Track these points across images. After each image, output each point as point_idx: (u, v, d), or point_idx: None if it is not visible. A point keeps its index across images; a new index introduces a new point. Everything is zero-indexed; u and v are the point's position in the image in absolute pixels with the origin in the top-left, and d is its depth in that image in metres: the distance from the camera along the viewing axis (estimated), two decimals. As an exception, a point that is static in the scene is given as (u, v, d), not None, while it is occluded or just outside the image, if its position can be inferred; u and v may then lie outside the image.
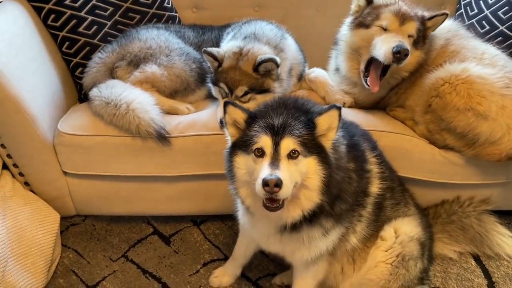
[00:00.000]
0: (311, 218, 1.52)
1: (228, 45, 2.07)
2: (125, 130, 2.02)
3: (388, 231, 1.81)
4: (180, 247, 2.25)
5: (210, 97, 2.30)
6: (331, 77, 2.32)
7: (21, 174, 2.13)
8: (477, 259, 2.20)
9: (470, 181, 2.13)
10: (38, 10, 2.21)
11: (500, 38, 2.18)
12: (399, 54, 1.85)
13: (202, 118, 2.10)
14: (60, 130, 2.06)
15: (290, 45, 2.22)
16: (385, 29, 1.94)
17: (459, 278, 2.11)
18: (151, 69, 2.13)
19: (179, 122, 2.08)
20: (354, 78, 2.12)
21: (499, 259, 2.19)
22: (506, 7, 2.16)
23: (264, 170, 1.35)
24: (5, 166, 2.11)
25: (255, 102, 2.00)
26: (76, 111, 2.21)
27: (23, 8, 2.17)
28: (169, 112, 2.14)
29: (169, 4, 2.53)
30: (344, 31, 2.12)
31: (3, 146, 2.04)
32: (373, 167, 1.74)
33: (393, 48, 1.85)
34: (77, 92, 2.39)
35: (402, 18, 1.92)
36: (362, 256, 1.84)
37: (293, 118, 1.42)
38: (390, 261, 1.78)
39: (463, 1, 2.48)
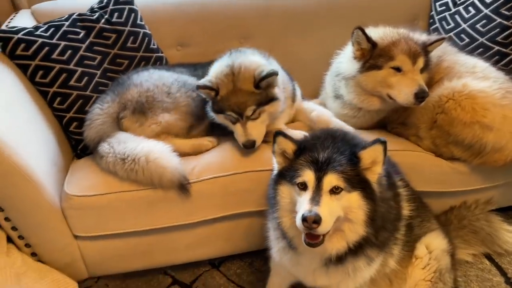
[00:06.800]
0: (356, 249, 1.53)
1: (215, 68, 2.05)
2: (146, 183, 1.93)
3: (420, 249, 1.87)
4: (205, 294, 2.18)
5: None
6: (330, 103, 2.38)
7: (27, 245, 1.97)
8: (489, 258, 2.32)
9: (476, 186, 2.25)
10: (23, 68, 2.08)
11: (481, 49, 2.33)
12: (422, 99, 1.95)
13: (217, 159, 2.06)
14: (68, 192, 1.93)
15: (274, 62, 2.23)
16: (398, 69, 1.99)
17: (479, 279, 2.22)
18: (163, 118, 2.06)
19: (194, 166, 2.03)
20: (367, 108, 2.19)
21: (509, 255, 2.32)
22: (484, 21, 2.32)
23: (304, 205, 1.37)
24: (9, 240, 1.95)
25: (266, 114, 2.00)
26: (79, 169, 2.09)
27: (6, 67, 2.04)
28: (193, 151, 2.10)
29: (155, 46, 2.47)
30: (349, 69, 2.15)
31: (7, 219, 1.88)
32: (402, 191, 1.78)
33: (416, 94, 1.94)
34: (71, 148, 2.27)
35: (414, 57, 1.98)
36: (399, 277, 1.87)
37: (338, 152, 1.44)
38: (429, 277, 1.84)
39: (437, 15, 2.63)
